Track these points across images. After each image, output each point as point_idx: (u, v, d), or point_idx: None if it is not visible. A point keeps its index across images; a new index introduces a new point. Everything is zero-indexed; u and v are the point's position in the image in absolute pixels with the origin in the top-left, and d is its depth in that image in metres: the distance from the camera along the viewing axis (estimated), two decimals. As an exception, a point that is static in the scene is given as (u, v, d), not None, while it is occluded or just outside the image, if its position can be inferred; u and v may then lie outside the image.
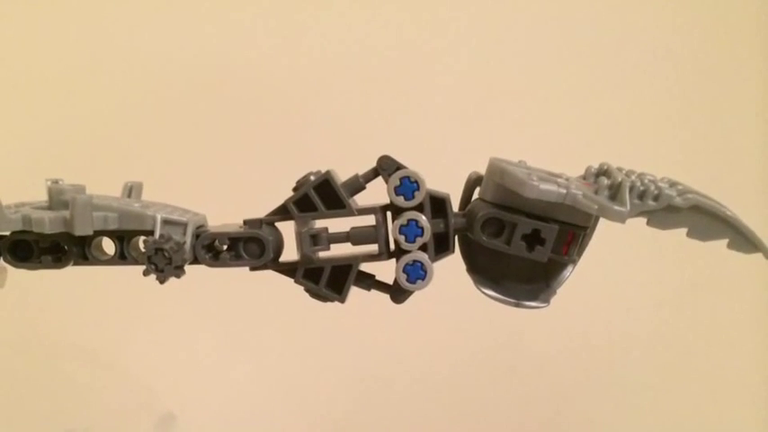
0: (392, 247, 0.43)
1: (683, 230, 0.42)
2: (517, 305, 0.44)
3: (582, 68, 0.93)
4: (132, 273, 0.43)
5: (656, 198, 0.40)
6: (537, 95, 0.93)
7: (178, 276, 0.42)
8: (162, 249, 0.41)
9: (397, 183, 0.41)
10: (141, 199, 0.47)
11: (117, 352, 0.87)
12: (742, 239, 0.41)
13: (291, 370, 0.92)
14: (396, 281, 0.43)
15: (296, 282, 0.43)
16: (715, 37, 0.93)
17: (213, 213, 0.47)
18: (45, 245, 0.43)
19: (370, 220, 0.43)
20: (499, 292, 0.44)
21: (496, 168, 0.42)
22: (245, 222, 0.44)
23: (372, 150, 0.43)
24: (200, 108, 0.90)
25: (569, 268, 0.45)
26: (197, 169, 0.86)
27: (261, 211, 0.44)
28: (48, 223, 0.41)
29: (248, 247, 0.43)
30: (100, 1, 0.91)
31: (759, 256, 0.43)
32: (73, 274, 0.45)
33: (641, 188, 0.40)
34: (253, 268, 0.44)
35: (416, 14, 0.92)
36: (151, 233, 0.42)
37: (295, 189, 0.43)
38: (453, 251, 0.44)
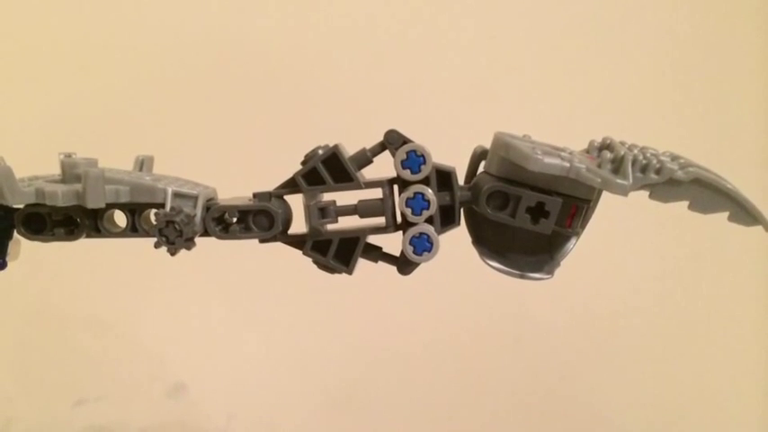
0: (399, 219, 0.44)
1: (685, 203, 0.43)
2: (521, 277, 0.45)
3: (586, 43, 0.93)
4: (143, 245, 0.44)
5: (658, 171, 0.40)
6: (541, 70, 0.93)
7: (189, 248, 0.43)
8: (173, 222, 0.41)
9: (404, 156, 0.42)
10: (152, 172, 0.48)
11: (128, 323, 0.88)
12: (742, 212, 0.42)
13: (300, 340, 0.93)
14: (402, 253, 0.43)
15: (304, 254, 0.44)
16: (717, 11, 0.92)
17: (223, 186, 0.48)
18: (58, 217, 0.44)
19: (377, 193, 0.44)
20: (504, 264, 0.45)
21: (501, 142, 0.43)
22: (255, 195, 0.44)
23: (379, 125, 0.44)
24: (210, 82, 0.90)
25: (573, 240, 0.46)
26: (207, 143, 0.86)
27: (270, 185, 0.45)
28: (61, 196, 0.41)
29: (257, 219, 0.44)
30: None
31: (759, 228, 0.44)
32: (85, 246, 0.46)
33: (643, 162, 0.40)
34: (262, 240, 0.45)
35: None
36: (162, 206, 0.42)
37: (303, 163, 0.43)
38: (459, 224, 0.44)
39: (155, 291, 0.88)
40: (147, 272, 0.81)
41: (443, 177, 0.43)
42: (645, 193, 0.43)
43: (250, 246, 0.46)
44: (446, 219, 0.44)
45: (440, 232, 0.43)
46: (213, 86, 0.90)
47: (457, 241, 0.45)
